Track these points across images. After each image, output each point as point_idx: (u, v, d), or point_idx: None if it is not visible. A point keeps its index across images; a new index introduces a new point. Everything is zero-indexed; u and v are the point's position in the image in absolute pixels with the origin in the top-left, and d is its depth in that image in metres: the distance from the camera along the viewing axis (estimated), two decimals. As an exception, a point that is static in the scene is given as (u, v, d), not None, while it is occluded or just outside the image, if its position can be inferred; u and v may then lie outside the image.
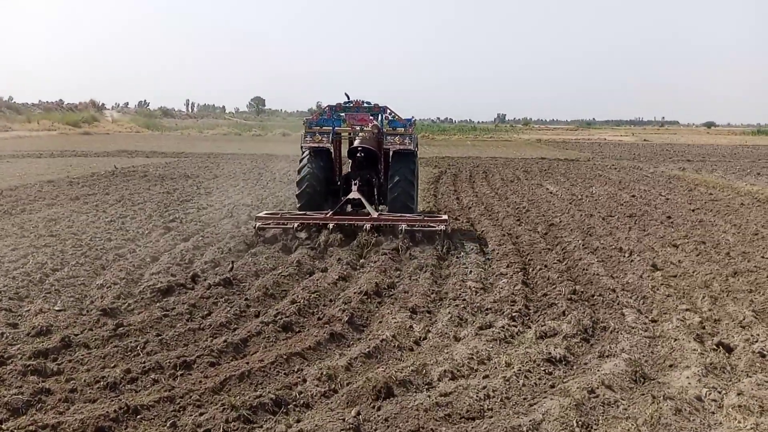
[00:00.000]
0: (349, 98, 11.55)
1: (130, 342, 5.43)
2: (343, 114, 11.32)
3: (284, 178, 20.75)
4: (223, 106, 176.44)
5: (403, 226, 9.72)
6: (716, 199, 15.94)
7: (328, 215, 10.13)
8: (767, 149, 48.42)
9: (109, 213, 12.25)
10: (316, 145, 11.16)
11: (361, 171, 11.15)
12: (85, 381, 4.64)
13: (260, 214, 10.35)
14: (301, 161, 11.35)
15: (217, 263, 8.42)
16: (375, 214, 10.18)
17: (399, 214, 10.32)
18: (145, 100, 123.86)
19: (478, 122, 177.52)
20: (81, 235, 9.91)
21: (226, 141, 51.47)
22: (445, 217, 10.61)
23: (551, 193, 17.46)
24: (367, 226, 9.79)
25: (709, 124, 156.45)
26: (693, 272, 8.16)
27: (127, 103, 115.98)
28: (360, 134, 11.25)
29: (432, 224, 9.98)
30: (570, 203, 15.07)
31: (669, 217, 12.79)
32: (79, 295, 6.94)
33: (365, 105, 11.44)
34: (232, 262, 8.40)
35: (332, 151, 11.53)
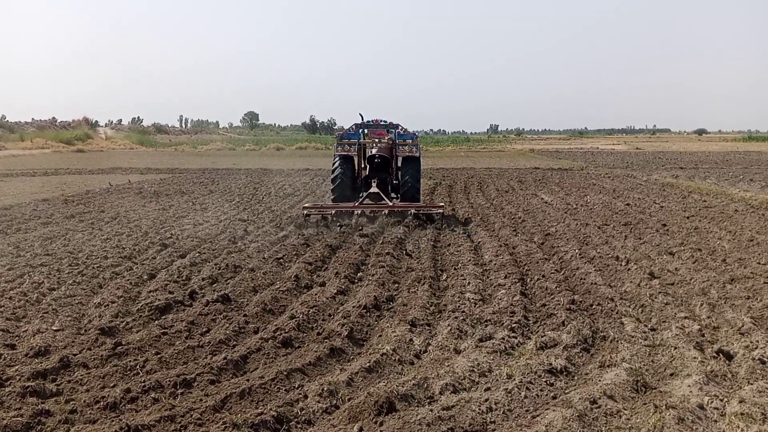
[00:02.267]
0: (362, 117, 15.00)
1: (130, 361, 5.40)
2: (365, 130, 14.89)
3: (280, 192, 20.77)
4: (217, 121, 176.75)
5: (412, 210, 13.45)
6: (710, 206, 16.03)
7: (356, 205, 13.74)
8: (759, 155, 48.78)
9: (105, 230, 12.22)
10: (345, 153, 14.77)
11: (378, 173, 14.64)
12: (84, 401, 4.61)
13: (306, 205, 14.22)
14: (333, 165, 14.92)
15: (214, 279, 8.40)
16: (391, 203, 13.92)
17: (408, 203, 14.06)
18: (138, 117, 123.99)
19: (471, 133, 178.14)
20: (77, 254, 9.88)
21: (220, 156, 51.48)
22: (441, 204, 14.72)
23: (546, 202, 17.52)
24: (386, 211, 13.40)
25: (701, 131, 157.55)
26: (690, 279, 8.18)
27: (121, 120, 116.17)
28: (378, 145, 14.89)
29: (432, 209, 13.90)
30: (565, 212, 15.12)
31: (664, 225, 12.84)
32: (76, 314, 6.91)
33: (382, 123, 15.00)
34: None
35: (356, 157, 15.09)
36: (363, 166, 15.45)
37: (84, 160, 41.44)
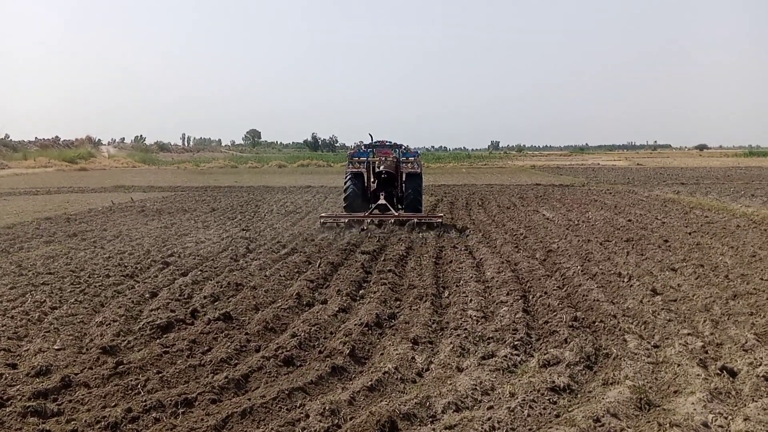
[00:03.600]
0: (372, 137, 17.03)
1: (131, 380, 5.38)
2: (373, 149, 16.82)
3: (281, 209, 20.80)
4: (219, 139, 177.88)
5: (415, 220, 15.19)
6: (712, 222, 16.01)
7: (366, 214, 15.48)
8: (760, 170, 48.80)
9: (107, 249, 12.24)
10: (355, 170, 16.70)
11: (385, 187, 16.46)
12: (85, 421, 4.59)
13: (323, 214, 16.41)
14: (345, 180, 16.76)
15: (216, 297, 8.39)
16: (397, 213, 15.62)
17: (411, 213, 15.76)
18: (141, 135, 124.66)
19: (473, 150, 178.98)
20: (79, 272, 9.89)
21: (222, 174, 51.67)
22: (441, 214, 16.82)
23: (548, 219, 17.52)
24: (392, 220, 15.18)
25: (701, 147, 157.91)
26: (693, 296, 8.16)
27: (123, 138, 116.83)
28: (384, 162, 16.51)
29: (433, 218, 15.73)
30: (567, 229, 15.12)
31: (666, 241, 12.82)
32: (78, 333, 6.90)
33: (387, 143, 16.89)
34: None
35: (365, 173, 16.83)
36: (371, 180, 17.12)
37: (87, 179, 41.60)
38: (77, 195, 27.65)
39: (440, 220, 15.63)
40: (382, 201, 15.84)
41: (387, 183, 16.60)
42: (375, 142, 16.95)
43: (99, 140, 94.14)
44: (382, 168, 16.48)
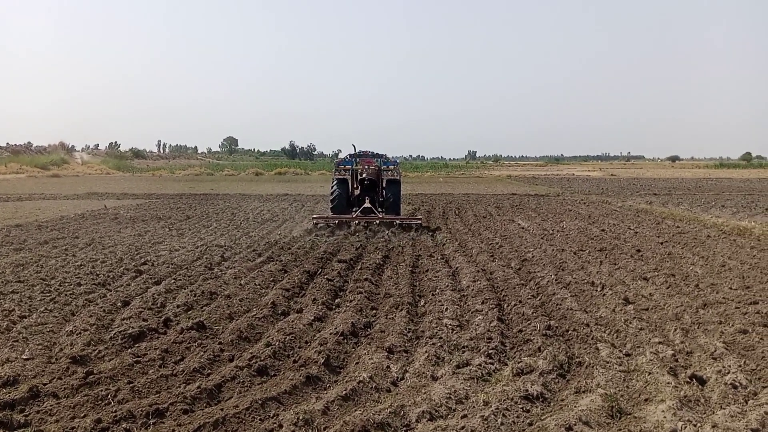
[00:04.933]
0: (355, 148, 18.87)
1: (101, 390, 5.29)
2: (357, 158, 18.65)
3: (258, 217, 20.67)
4: (195, 147, 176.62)
5: (397, 221, 17.27)
6: (683, 232, 16.29)
7: (354, 216, 17.33)
8: (730, 182, 49.85)
9: (79, 257, 12.04)
10: (341, 176, 18.65)
11: (368, 192, 18.24)
12: (53, 433, 4.50)
13: (314, 215, 18.30)
14: (332, 186, 18.77)
15: (189, 306, 8.30)
16: (380, 216, 17.41)
17: (393, 215, 17.83)
18: (115, 142, 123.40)
19: (450, 159, 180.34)
20: (50, 281, 9.71)
21: (198, 181, 51.24)
22: (420, 217, 19.30)
23: (523, 228, 17.68)
24: (377, 221, 16.97)
25: (674, 158, 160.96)
26: (664, 305, 8.29)
27: (98, 145, 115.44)
28: (367, 170, 18.35)
29: (412, 220, 17.87)
30: (542, 238, 15.26)
31: (638, 251, 13.01)
32: (47, 342, 6.77)
33: (370, 153, 18.75)
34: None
35: (350, 180, 18.84)
36: (355, 186, 18.97)
37: (59, 186, 40.93)
38: (49, 202, 27.19)
39: (419, 222, 17.66)
40: (367, 204, 17.65)
41: (370, 189, 18.40)
42: (359, 152, 18.83)
43: (72, 146, 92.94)
44: (365, 175, 18.32)
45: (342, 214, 17.73)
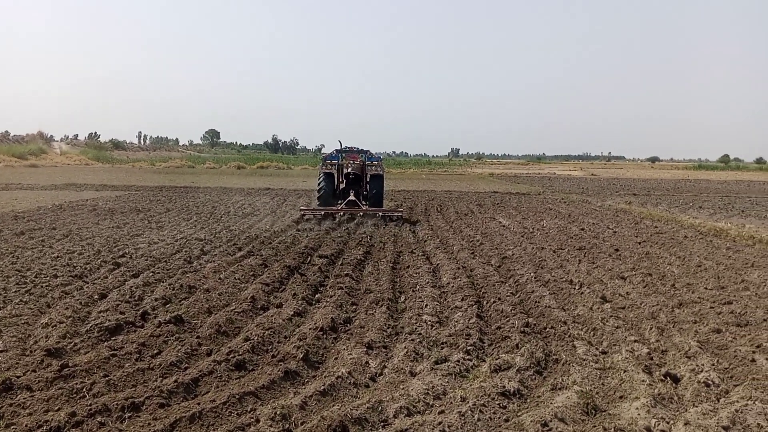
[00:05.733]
0: (341, 144, 20.05)
1: (76, 383, 5.23)
2: (343, 154, 19.78)
3: (239, 211, 20.55)
4: (177, 138, 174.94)
5: (380, 213, 18.35)
6: (661, 232, 16.50)
7: (339, 208, 18.48)
8: (708, 183, 50.56)
9: (56, 248, 11.88)
10: (327, 171, 19.73)
11: (353, 186, 19.51)
12: (26, 426, 4.45)
13: (302, 207, 19.71)
14: (319, 179, 20.01)
15: (167, 300, 8.23)
16: (364, 208, 18.70)
17: (376, 208, 18.92)
18: (95, 132, 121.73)
19: (433, 156, 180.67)
20: (25, 272, 9.57)
21: (179, 174, 50.77)
22: (401, 209, 20.22)
23: (504, 226, 17.78)
24: (361, 212, 18.23)
25: (653, 159, 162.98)
26: (640, 304, 8.39)
27: (77, 135, 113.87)
28: (352, 165, 19.59)
29: (395, 212, 18.70)
30: (522, 236, 15.36)
31: (617, 250, 13.15)
32: (22, 334, 6.67)
33: (355, 149, 19.87)
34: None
35: (336, 174, 19.91)
36: (341, 180, 20.07)
37: (37, 176, 40.32)
38: (26, 192, 26.77)
39: (401, 214, 18.74)
40: (351, 197, 18.78)
41: (354, 182, 19.65)
42: (345, 148, 19.92)
43: (51, 136, 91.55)
44: (350, 170, 19.57)
45: (328, 206, 18.79)
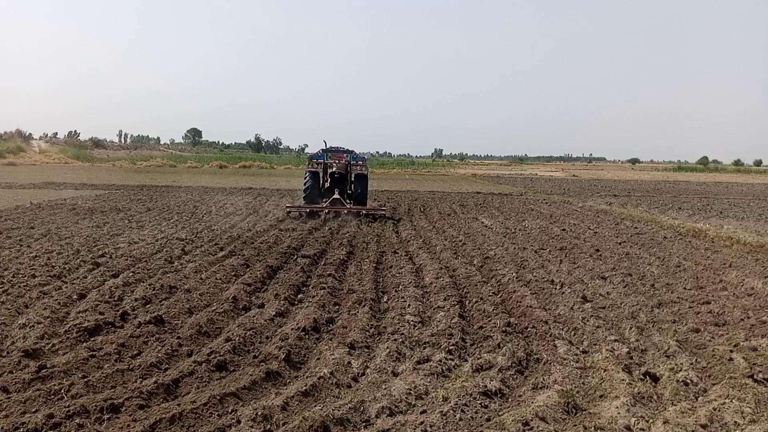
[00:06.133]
0: (326, 144, 20.63)
1: (54, 385, 5.16)
2: (328, 153, 20.39)
3: (221, 211, 20.42)
4: (158, 137, 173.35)
5: (363, 211, 18.93)
6: (641, 233, 16.68)
7: (325, 205, 18.95)
8: (687, 185, 51.24)
9: (34, 248, 11.71)
10: (313, 169, 20.33)
11: (338, 184, 20.02)
12: (2, 428, 4.37)
13: (288, 205, 20.29)
14: (305, 178, 20.26)
15: (148, 300, 8.15)
16: (348, 206, 19.21)
17: (360, 206, 19.40)
18: (75, 131, 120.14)
19: (417, 157, 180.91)
20: (2, 272, 9.42)
21: (160, 173, 50.31)
22: (385, 208, 21.03)
23: (486, 226, 17.86)
24: (345, 210, 18.74)
25: (634, 161, 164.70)
26: (621, 304, 8.47)
27: (56, 133, 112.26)
28: (337, 164, 20.18)
29: (378, 211, 19.62)
30: (504, 236, 15.44)
31: (597, 250, 13.27)
32: (-2, 335, 6.57)
33: (341, 149, 20.46)
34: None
35: (321, 173, 20.54)
36: (326, 179, 20.60)
37: (15, 174, 39.72)
38: (4, 191, 26.38)
39: (384, 212, 19.58)
40: (336, 196, 19.32)
41: (339, 181, 20.16)
42: (330, 148, 20.52)
43: (30, 134, 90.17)
44: (335, 169, 20.14)
45: (313, 204, 19.36)
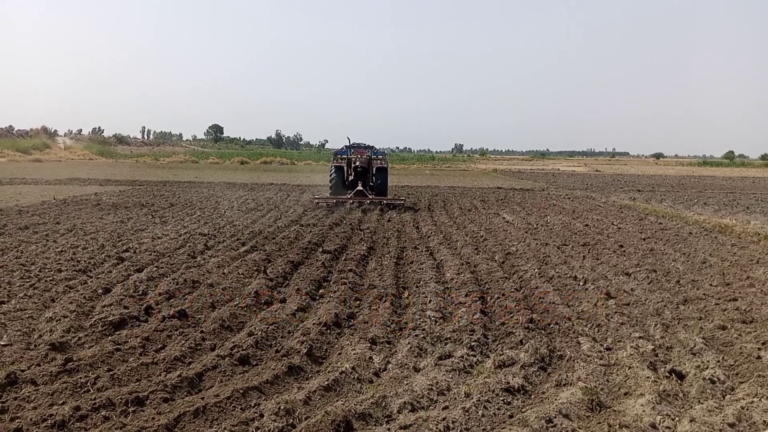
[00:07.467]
0: (349, 140, 23.09)
1: (80, 378, 5.24)
2: (351, 149, 22.70)
3: (242, 206, 20.55)
4: (180, 134, 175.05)
5: (385, 201, 21.14)
6: (666, 228, 16.45)
7: (349, 197, 21.03)
8: (712, 180, 50.37)
9: (60, 243, 11.90)
10: (338, 164, 22.78)
11: (360, 177, 22.07)
12: (31, 419, 4.45)
13: (316, 195, 22.81)
14: (330, 172, 23.05)
15: (171, 294, 8.24)
16: (370, 197, 21.28)
17: (381, 197, 21.72)
18: (99, 127, 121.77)
19: (437, 152, 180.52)
20: (30, 266, 9.59)
21: (182, 169, 50.81)
22: (403, 198, 23.25)
23: (508, 222, 17.74)
24: (367, 200, 20.73)
25: (658, 155, 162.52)
26: (645, 300, 8.36)
27: (81, 130, 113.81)
28: (360, 159, 22.36)
29: (397, 201, 21.81)
30: (526, 232, 15.33)
31: (621, 246, 13.12)
32: (26, 328, 6.68)
33: (363, 145, 22.90)
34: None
35: (345, 167, 22.74)
36: (350, 172, 22.66)
37: (41, 170, 40.40)
38: (30, 187, 26.83)
39: (403, 202, 21.63)
40: (359, 188, 21.44)
41: (362, 174, 22.15)
42: (353, 144, 22.88)
43: (55, 131, 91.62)
44: (358, 163, 22.20)
45: (339, 195, 21.61)
